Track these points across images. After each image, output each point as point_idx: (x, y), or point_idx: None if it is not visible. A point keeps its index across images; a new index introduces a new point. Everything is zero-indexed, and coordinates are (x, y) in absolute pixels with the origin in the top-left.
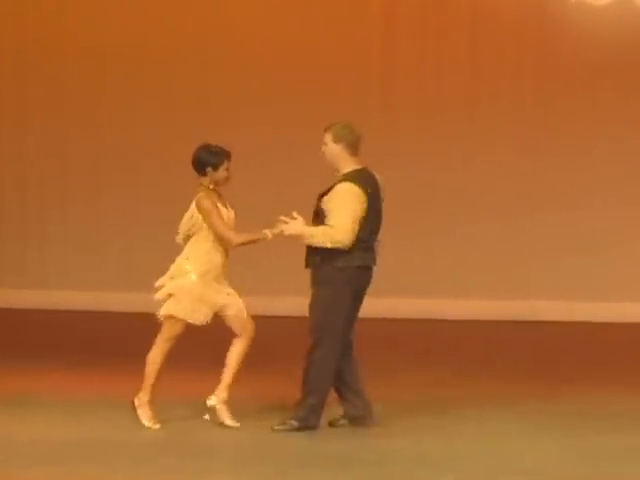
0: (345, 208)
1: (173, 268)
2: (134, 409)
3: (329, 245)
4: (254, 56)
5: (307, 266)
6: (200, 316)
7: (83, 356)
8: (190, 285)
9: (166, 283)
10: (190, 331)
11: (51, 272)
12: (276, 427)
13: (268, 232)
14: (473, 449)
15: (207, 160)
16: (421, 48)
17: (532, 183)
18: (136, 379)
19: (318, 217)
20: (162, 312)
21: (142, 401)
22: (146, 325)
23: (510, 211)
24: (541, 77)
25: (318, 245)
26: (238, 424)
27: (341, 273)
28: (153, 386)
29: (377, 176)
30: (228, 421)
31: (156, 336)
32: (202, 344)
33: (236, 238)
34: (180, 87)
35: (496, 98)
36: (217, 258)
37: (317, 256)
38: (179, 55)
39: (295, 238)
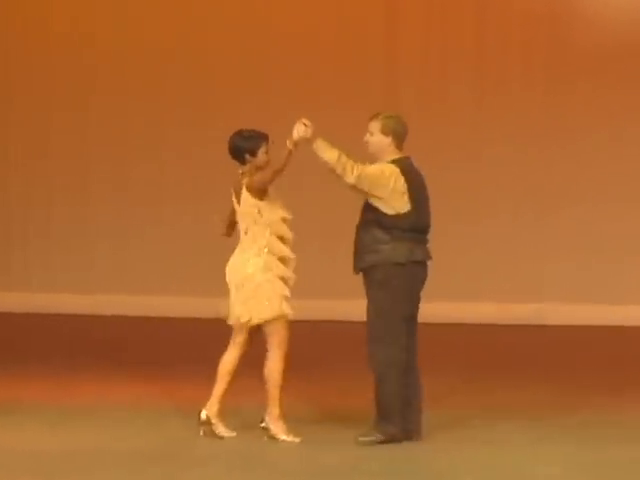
0: (377, 168)
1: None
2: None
3: (338, 170)
4: (254, 54)
5: (359, 270)
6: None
7: (70, 361)
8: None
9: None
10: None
11: (35, 274)
12: (360, 439)
13: (288, 143)
14: (482, 459)
15: (244, 147)
16: (426, 35)
17: (542, 179)
18: (126, 386)
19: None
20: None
21: (274, 416)
22: (134, 328)
23: (518, 209)
24: (552, 64)
25: (327, 160)
26: (234, 434)
27: (403, 269)
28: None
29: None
30: (224, 433)
31: (141, 338)
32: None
33: (268, 174)
34: (172, 85)
35: (504, 88)
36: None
37: (375, 254)
38: (171, 50)
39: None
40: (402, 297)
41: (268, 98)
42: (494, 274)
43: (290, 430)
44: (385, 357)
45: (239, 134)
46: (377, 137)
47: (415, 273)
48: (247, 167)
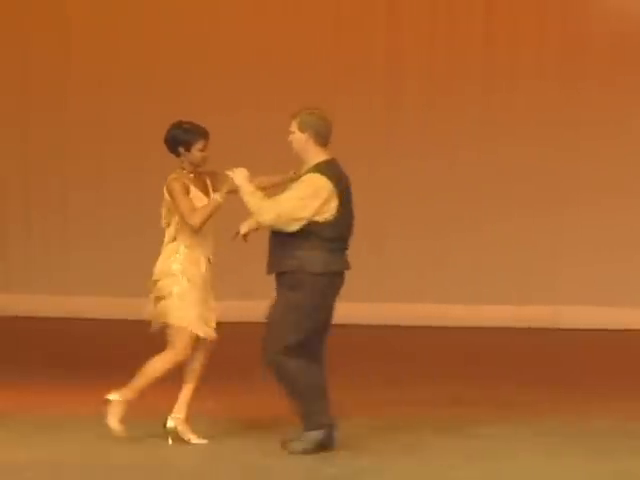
0: (299, 193)
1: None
2: (106, 402)
3: (256, 213)
4: (252, 49)
5: (273, 271)
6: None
7: (53, 369)
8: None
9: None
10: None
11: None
12: (285, 446)
13: (217, 195)
14: (492, 472)
15: (178, 139)
16: (431, 26)
17: (556, 177)
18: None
19: None
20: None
21: (122, 399)
22: (121, 332)
23: (530, 208)
24: (565, 56)
25: (250, 206)
26: (205, 441)
27: (318, 279)
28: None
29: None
30: (194, 439)
31: (124, 342)
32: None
33: (195, 216)
34: (164, 82)
35: (514, 83)
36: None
37: (292, 260)
38: (163, 40)
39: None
40: (311, 306)
41: (267, 95)
42: (509, 277)
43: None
44: (291, 370)
45: (178, 125)
46: (296, 135)
47: (330, 284)
48: (181, 161)
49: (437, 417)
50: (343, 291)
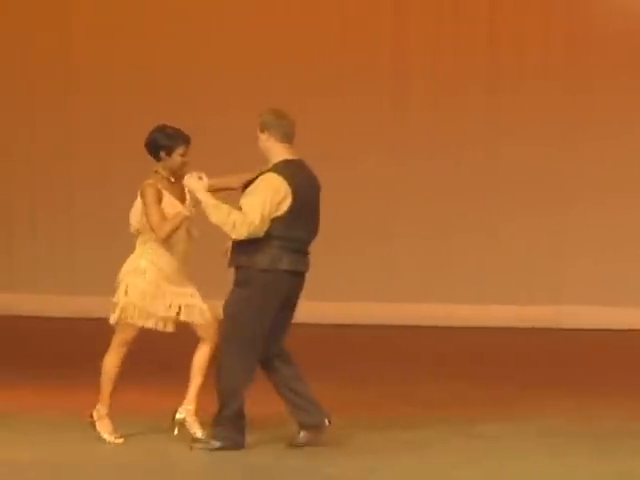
0: (260, 199)
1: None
2: (92, 424)
3: (227, 228)
4: (260, 52)
5: (230, 265)
6: (152, 320)
7: (58, 369)
8: (143, 285)
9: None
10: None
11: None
12: (193, 445)
13: (183, 209)
14: (495, 471)
15: (161, 143)
16: (437, 26)
17: (560, 177)
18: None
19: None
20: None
21: (101, 414)
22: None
23: (535, 208)
24: (570, 56)
25: (216, 221)
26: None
27: (265, 276)
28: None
29: (313, 173)
30: (199, 433)
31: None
32: (170, 353)
33: (162, 229)
34: (169, 82)
35: (520, 83)
36: (174, 254)
37: (244, 256)
38: (167, 40)
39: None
40: (258, 305)
41: (272, 96)
42: (513, 277)
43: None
44: (226, 361)
45: (161, 130)
46: (259, 136)
47: (283, 282)
48: (160, 166)
49: (441, 416)
50: (348, 291)
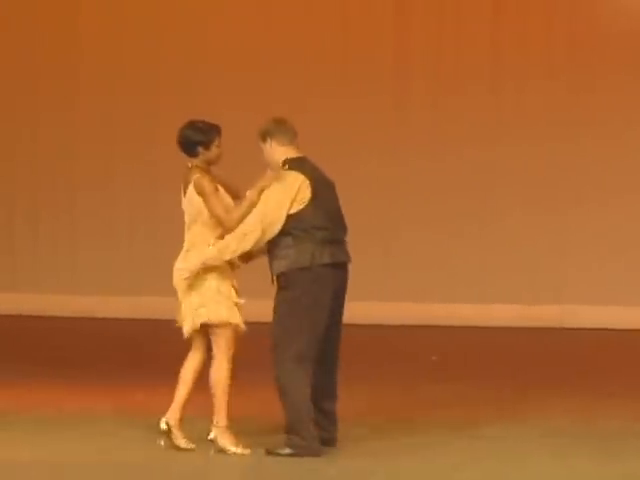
0: (266, 200)
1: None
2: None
3: (241, 248)
4: (262, 52)
5: (273, 277)
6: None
7: (60, 368)
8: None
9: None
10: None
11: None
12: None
13: (251, 193)
14: (497, 472)
15: (196, 139)
16: (439, 25)
17: (563, 177)
18: (105, 394)
19: None
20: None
21: (222, 427)
22: (128, 331)
23: (538, 208)
24: (573, 56)
25: (234, 252)
26: (193, 446)
27: (308, 274)
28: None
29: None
30: (183, 444)
31: (129, 342)
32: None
33: (232, 219)
34: (173, 82)
35: (522, 82)
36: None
37: (283, 260)
38: (171, 40)
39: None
40: (305, 306)
41: (274, 96)
42: (516, 276)
43: (240, 441)
44: (285, 371)
45: (192, 126)
46: (263, 148)
47: (322, 278)
48: (197, 160)
49: (442, 417)
50: (348, 290)
